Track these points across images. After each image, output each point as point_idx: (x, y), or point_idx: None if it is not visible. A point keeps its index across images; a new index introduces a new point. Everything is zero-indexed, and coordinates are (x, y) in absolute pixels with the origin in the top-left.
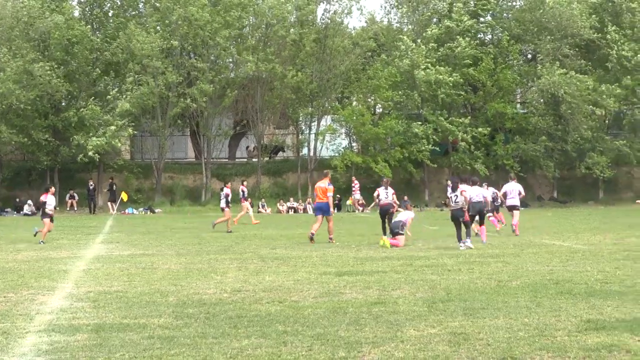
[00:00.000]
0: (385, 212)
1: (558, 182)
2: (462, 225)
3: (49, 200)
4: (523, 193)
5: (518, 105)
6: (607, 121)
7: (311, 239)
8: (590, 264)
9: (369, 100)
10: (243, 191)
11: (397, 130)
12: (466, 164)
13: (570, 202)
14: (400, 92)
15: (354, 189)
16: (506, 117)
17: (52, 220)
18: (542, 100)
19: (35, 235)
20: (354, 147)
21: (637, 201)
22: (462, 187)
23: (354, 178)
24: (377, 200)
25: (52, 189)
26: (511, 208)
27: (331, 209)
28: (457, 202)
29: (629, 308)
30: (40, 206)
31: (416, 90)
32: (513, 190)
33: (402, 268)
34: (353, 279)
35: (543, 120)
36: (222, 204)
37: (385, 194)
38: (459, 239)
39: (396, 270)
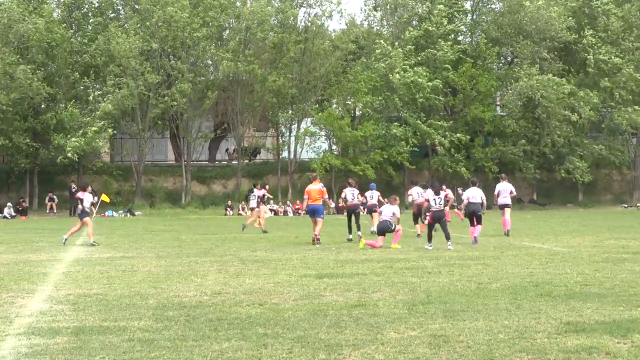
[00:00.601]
0: (352, 212)
1: (538, 185)
2: (442, 227)
3: (86, 197)
4: (514, 192)
5: (498, 109)
6: (586, 124)
7: (314, 240)
8: (570, 266)
9: (349, 103)
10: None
11: (377, 134)
12: (447, 167)
13: (549, 204)
14: (380, 97)
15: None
16: (485, 120)
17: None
18: (519, 103)
19: (64, 244)
20: (334, 150)
21: (624, 205)
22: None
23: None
24: (343, 200)
25: (89, 187)
26: (503, 206)
27: (325, 212)
28: (440, 204)
29: (609, 310)
30: (77, 205)
31: (395, 93)
32: (505, 190)
33: (382, 270)
34: (333, 282)
35: (519, 123)
36: (253, 203)
37: (352, 195)
38: (430, 239)
39: (376, 272)
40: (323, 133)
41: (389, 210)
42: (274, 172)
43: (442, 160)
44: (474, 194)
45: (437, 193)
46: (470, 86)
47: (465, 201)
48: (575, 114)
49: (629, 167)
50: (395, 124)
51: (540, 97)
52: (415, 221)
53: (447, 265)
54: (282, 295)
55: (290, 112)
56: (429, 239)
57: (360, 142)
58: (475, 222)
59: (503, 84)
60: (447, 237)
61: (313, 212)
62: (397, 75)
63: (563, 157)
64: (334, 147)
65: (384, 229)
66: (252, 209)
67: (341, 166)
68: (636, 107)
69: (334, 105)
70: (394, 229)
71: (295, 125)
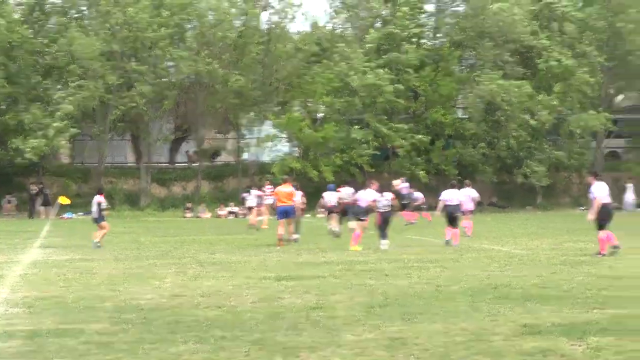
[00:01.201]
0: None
1: (497, 187)
2: (386, 225)
3: (103, 201)
4: (477, 198)
5: (459, 112)
6: (545, 128)
7: (280, 240)
8: (528, 268)
9: (309, 105)
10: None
11: (338, 137)
12: (406, 169)
13: (509, 207)
14: (341, 99)
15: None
16: (445, 124)
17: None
18: (480, 106)
19: (99, 247)
20: (295, 152)
21: (581, 208)
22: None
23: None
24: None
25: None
26: (464, 212)
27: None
28: (386, 205)
29: (566, 312)
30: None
31: (357, 95)
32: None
33: (341, 273)
34: (292, 284)
35: (479, 126)
36: (251, 203)
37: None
38: (384, 239)
39: (335, 275)
40: (284, 135)
41: (367, 196)
42: (235, 174)
43: (402, 163)
44: (451, 196)
45: (382, 194)
46: (432, 89)
47: (441, 203)
48: (534, 118)
49: (589, 170)
50: (356, 127)
51: (501, 101)
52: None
53: (406, 267)
54: (240, 298)
55: (252, 114)
56: (382, 236)
57: (321, 144)
58: (454, 225)
59: (464, 87)
60: (384, 237)
61: (284, 213)
62: (356, 77)
63: (521, 161)
64: (294, 149)
65: (357, 214)
66: (249, 209)
67: (301, 169)
68: (592, 112)
69: (296, 108)
70: (364, 218)
71: (257, 127)
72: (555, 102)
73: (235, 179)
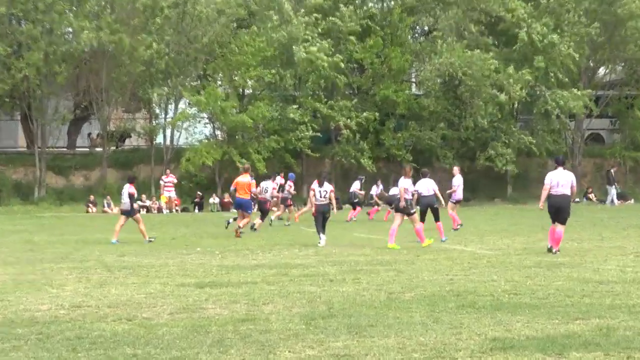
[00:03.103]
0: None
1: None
2: (325, 221)
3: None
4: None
5: (413, 87)
6: (516, 106)
7: (237, 232)
8: (497, 272)
9: (236, 79)
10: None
11: (270, 116)
12: (351, 156)
13: (473, 199)
14: (273, 71)
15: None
16: (397, 101)
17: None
18: (438, 81)
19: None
20: (219, 136)
21: (540, 206)
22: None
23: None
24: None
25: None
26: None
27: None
28: (325, 197)
29: (541, 324)
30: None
31: (292, 68)
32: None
33: (275, 278)
34: (217, 292)
35: (437, 103)
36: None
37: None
38: (320, 232)
39: (268, 280)
40: (205, 115)
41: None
42: (146, 161)
43: (346, 148)
44: (426, 186)
45: (321, 184)
46: (380, 62)
47: (416, 195)
48: (504, 94)
49: (567, 156)
50: (293, 106)
51: (462, 75)
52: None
53: (353, 271)
54: (154, 309)
55: (165, 88)
56: (319, 232)
57: (249, 127)
58: (424, 218)
59: (419, 59)
60: (322, 232)
61: (240, 206)
62: (302, 48)
63: (486, 144)
64: (218, 132)
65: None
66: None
67: (224, 157)
68: (574, 91)
69: (219, 82)
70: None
71: (172, 105)
72: (528, 77)
73: (147, 166)
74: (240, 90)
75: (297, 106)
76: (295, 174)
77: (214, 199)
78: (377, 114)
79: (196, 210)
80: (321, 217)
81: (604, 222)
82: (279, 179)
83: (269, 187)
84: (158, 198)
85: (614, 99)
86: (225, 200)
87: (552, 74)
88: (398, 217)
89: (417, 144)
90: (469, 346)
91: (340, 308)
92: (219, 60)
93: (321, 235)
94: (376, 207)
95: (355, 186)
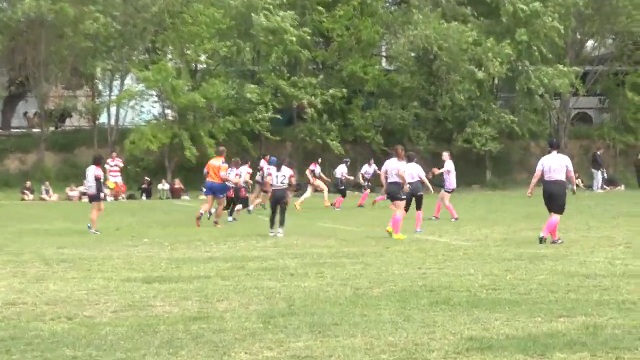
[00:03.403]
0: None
1: (434, 160)
2: (283, 208)
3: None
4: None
5: (383, 61)
6: (496, 82)
7: (198, 218)
8: (474, 265)
9: (187, 53)
10: (312, 171)
11: (225, 95)
12: (316, 137)
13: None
14: (229, 43)
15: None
16: (366, 77)
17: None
18: (412, 55)
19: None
20: (168, 115)
21: (528, 194)
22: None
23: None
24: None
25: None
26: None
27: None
28: (284, 182)
29: (522, 322)
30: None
31: (251, 41)
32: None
33: (230, 272)
34: (166, 287)
35: (412, 80)
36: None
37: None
38: (272, 224)
39: (223, 275)
40: (154, 93)
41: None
42: (89, 144)
43: (311, 128)
44: (411, 172)
45: (279, 168)
46: (349, 34)
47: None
48: (482, 70)
49: (550, 137)
50: (251, 86)
51: (438, 49)
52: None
53: (315, 264)
54: (97, 306)
55: (110, 62)
56: (271, 223)
57: (201, 107)
58: (418, 206)
59: (390, 31)
60: (281, 223)
61: (211, 190)
62: (262, 17)
63: (464, 123)
64: (168, 112)
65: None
66: (258, 184)
67: (175, 140)
68: (560, 67)
69: (169, 56)
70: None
71: (118, 82)
72: (508, 51)
73: (90, 148)
74: (193, 65)
75: (255, 85)
76: (252, 158)
77: (163, 185)
78: (344, 90)
79: (143, 197)
80: (276, 204)
81: (591, 209)
82: (263, 163)
83: (243, 173)
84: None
85: (603, 76)
86: (176, 186)
87: (535, 48)
88: (400, 203)
89: (387, 123)
90: (443, 346)
91: (301, 305)
92: (170, 32)
93: (279, 228)
94: (366, 191)
95: (341, 170)
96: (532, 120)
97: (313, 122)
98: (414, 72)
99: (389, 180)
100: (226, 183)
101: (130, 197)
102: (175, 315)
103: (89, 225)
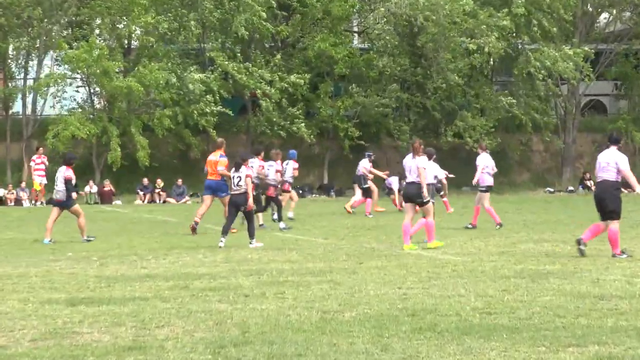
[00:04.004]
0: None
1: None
2: (249, 217)
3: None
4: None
5: (355, 39)
6: (491, 63)
7: (193, 229)
8: (465, 284)
9: (119, 27)
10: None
11: (164, 81)
12: (278, 128)
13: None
14: (170, 15)
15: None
16: (336, 58)
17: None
18: (392, 30)
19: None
20: (97, 104)
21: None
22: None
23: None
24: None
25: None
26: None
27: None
28: (240, 184)
29: (523, 352)
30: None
31: (195, 12)
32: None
33: (172, 292)
34: (94, 311)
35: (394, 62)
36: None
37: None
38: (225, 232)
39: (163, 295)
40: (79, 77)
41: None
42: (1, 138)
43: (269, 118)
44: (430, 171)
45: (237, 168)
46: (316, 6)
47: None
48: (474, 44)
49: (556, 131)
50: (195, 76)
51: (423, 21)
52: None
53: (275, 283)
54: (12, 334)
55: (25, 38)
56: (225, 231)
57: (136, 94)
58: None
59: (366, 3)
60: (250, 234)
61: (208, 189)
62: None
63: (454, 114)
64: (96, 100)
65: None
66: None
67: (104, 136)
68: (564, 49)
69: (97, 32)
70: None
71: (35, 63)
72: (505, 22)
73: (2, 143)
74: (126, 43)
75: (199, 72)
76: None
77: (90, 188)
78: (307, 75)
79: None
80: (234, 211)
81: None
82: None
83: (272, 169)
84: (29, 185)
85: (620, 56)
86: (105, 188)
87: (535, 22)
88: (409, 208)
89: (362, 114)
90: None
91: (258, 332)
92: (98, 2)
93: (223, 238)
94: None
95: (363, 165)
96: (535, 108)
97: (271, 112)
98: (394, 50)
99: (408, 180)
100: (225, 180)
101: (50, 201)
102: (105, 345)
103: (88, 238)
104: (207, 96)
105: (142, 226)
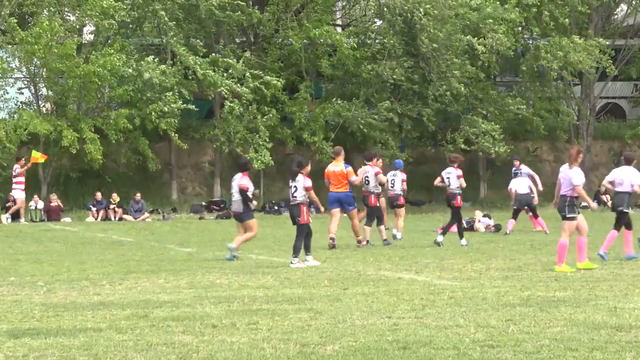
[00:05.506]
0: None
1: (412, 171)
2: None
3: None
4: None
5: (339, 31)
6: (496, 61)
7: (332, 246)
8: (465, 313)
9: (69, 17)
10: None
11: (120, 75)
12: (240, 140)
13: (430, 202)
14: (127, 1)
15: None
16: (318, 54)
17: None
18: (386, 25)
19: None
20: (42, 105)
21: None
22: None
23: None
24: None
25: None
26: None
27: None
28: (295, 195)
29: None
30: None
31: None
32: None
33: (129, 322)
34: (41, 343)
35: (389, 65)
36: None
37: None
38: (308, 250)
39: (119, 326)
40: (23, 70)
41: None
42: None
43: (234, 124)
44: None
45: (293, 177)
46: None
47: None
48: (480, 45)
49: (569, 137)
50: (156, 70)
51: (424, 15)
52: None
53: (247, 312)
54: None
55: None
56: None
57: (90, 88)
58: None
59: None
60: (295, 249)
61: (338, 202)
62: None
63: (456, 120)
64: (42, 97)
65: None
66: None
67: (49, 133)
68: (576, 39)
69: (45, 15)
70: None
71: None
72: (513, 16)
73: None
74: (77, 31)
75: (159, 59)
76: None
77: (36, 203)
78: (281, 79)
79: (7, 220)
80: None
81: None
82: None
83: (371, 175)
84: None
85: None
86: (52, 204)
87: (547, 14)
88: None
89: (347, 123)
90: None
91: None
92: None
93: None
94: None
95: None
96: (547, 111)
97: (238, 117)
98: (390, 52)
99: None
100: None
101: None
102: None
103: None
104: (168, 93)
105: (94, 247)
